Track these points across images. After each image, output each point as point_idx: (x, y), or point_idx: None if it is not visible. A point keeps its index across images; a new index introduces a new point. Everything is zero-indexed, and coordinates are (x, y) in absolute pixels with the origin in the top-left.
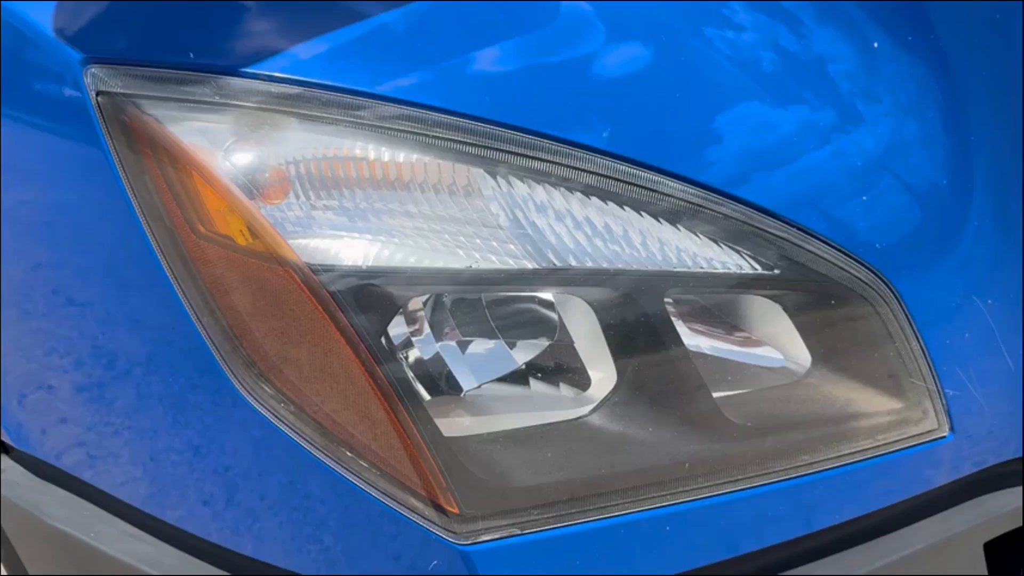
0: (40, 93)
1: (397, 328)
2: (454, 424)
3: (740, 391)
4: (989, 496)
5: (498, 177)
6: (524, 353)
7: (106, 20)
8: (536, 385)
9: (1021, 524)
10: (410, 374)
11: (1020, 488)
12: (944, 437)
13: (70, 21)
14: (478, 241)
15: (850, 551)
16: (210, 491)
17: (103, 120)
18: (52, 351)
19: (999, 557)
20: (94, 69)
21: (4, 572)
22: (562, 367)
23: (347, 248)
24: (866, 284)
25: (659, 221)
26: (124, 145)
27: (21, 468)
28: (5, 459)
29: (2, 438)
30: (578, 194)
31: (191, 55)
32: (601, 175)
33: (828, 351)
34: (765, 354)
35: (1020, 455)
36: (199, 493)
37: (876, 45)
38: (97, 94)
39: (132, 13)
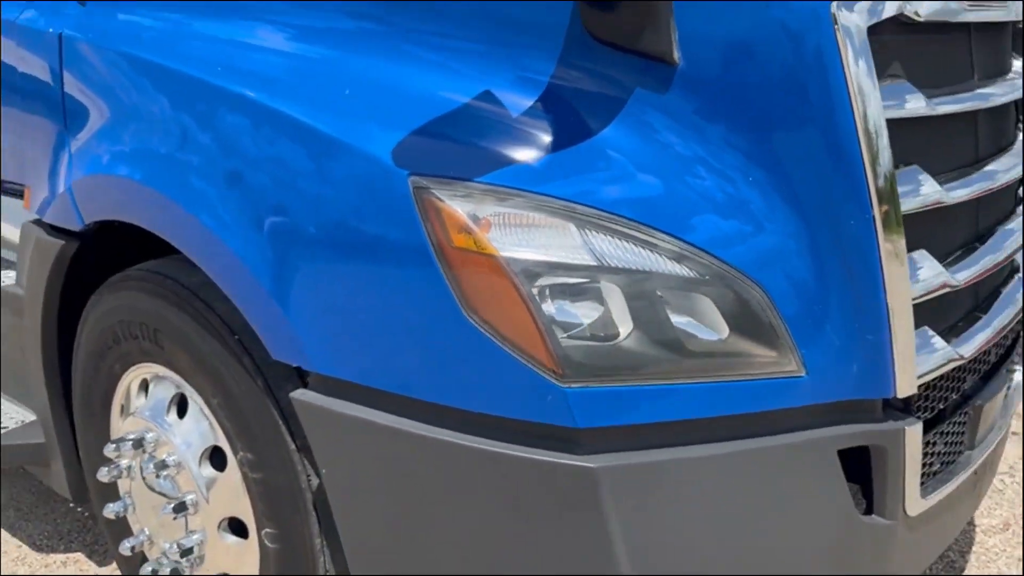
0: (369, 189)
1: (535, 291)
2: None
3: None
4: (845, 425)
5: (578, 227)
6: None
7: (418, 155)
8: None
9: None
10: (548, 312)
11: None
12: (801, 375)
13: (401, 157)
14: (569, 252)
15: (741, 441)
16: (448, 378)
17: (416, 201)
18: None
19: (854, 464)
20: (413, 177)
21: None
22: (601, 320)
23: (518, 252)
24: (753, 291)
25: (652, 252)
26: (425, 213)
27: (318, 390)
28: (302, 390)
29: (298, 365)
30: (613, 236)
31: (451, 173)
32: (630, 229)
33: (734, 323)
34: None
35: (862, 398)
36: (432, 374)
37: (774, 202)
38: (415, 188)
39: (431, 151)
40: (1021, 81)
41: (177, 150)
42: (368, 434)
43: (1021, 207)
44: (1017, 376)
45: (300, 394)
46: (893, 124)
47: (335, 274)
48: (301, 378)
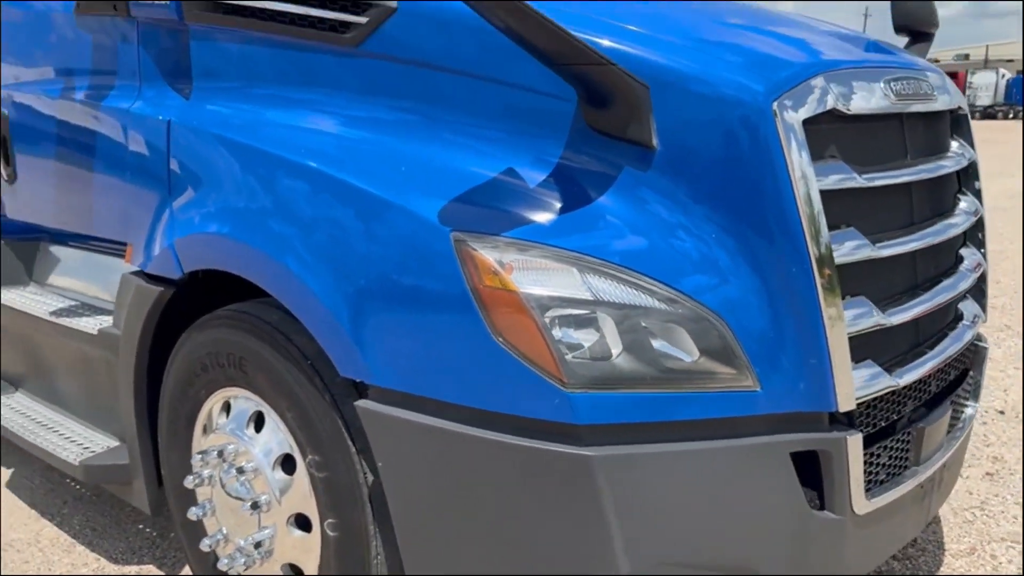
0: (419, 242)
1: (546, 319)
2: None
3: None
4: (796, 433)
5: (580, 271)
6: (585, 338)
7: (457, 216)
8: (582, 347)
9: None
10: (556, 335)
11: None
12: (757, 390)
13: (444, 217)
14: (573, 290)
15: (710, 441)
16: (480, 386)
17: (456, 251)
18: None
19: (806, 468)
20: (454, 233)
21: None
22: (597, 343)
23: (534, 289)
24: (718, 325)
25: (639, 292)
26: (462, 260)
27: (377, 399)
28: (364, 400)
29: (362, 381)
30: (607, 278)
31: (483, 229)
32: (620, 273)
33: (703, 348)
34: (686, 349)
35: (809, 411)
36: (467, 383)
37: (738, 260)
38: (455, 241)
39: (467, 213)
40: (957, 160)
41: (265, 211)
42: (417, 432)
43: (966, 261)
44: (969, 410)
45: (363, 403)
46: (833, 195)
47: (393, 307)
48: (359, 392)
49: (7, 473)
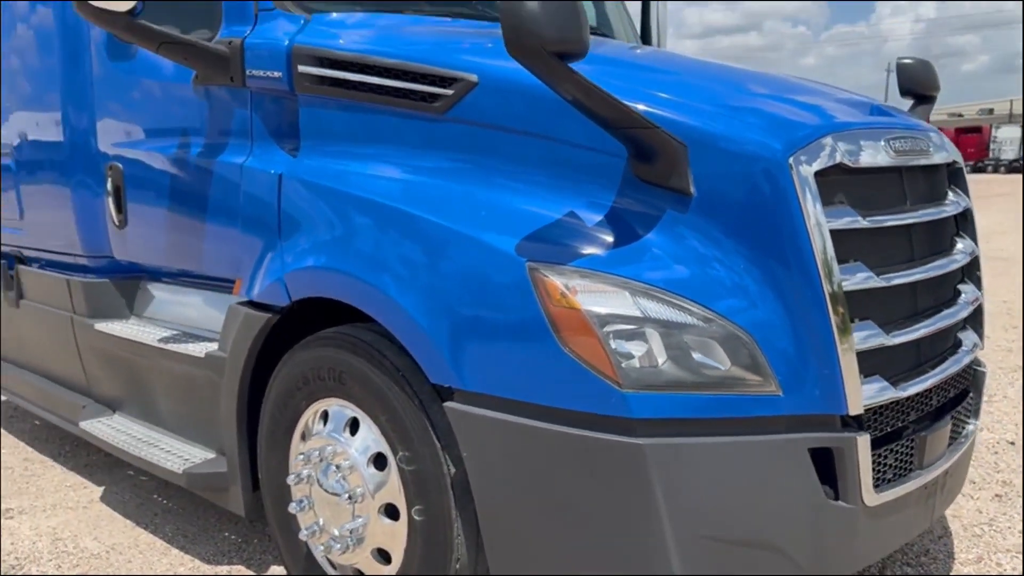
0: (498, 270)
1: (605, 332)
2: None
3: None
4: (813, 433)
5: (631, 294)
6: (636, 349)
7: (530, 249)
8: (634, 356)
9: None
10: (613, 346)
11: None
12: (779, 395)
13: (520, 250)
14: (626, 309)
15: (740, 436)
16: (550, 388)
17: (531, 278)
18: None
19: (824, 464)
20: (528, 263)
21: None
22: (646, 353)
23: (594, 308)
24: (747, 340)
25: (680, 312)
26: (536, 285)
27: (462, 401)
28: (451, 402)
29: (449, 385)
30: (653, 300)
31: (552, 260)
32: (665, 295)
33: (733, 359)
34: (720, 360)
35: (823, 413)
36: (540, 385)
37: (764, 289)
38: (529, 269)
39: (538, 248)
40: (953, 206)
41: (369, 248)
42: (497, 427)
43: (964, 295)
44: (970, 426)
45: (451, 404)
46: (842, 234)
47: (477, 324)
48: (441, 396)
49: (99, 490)
